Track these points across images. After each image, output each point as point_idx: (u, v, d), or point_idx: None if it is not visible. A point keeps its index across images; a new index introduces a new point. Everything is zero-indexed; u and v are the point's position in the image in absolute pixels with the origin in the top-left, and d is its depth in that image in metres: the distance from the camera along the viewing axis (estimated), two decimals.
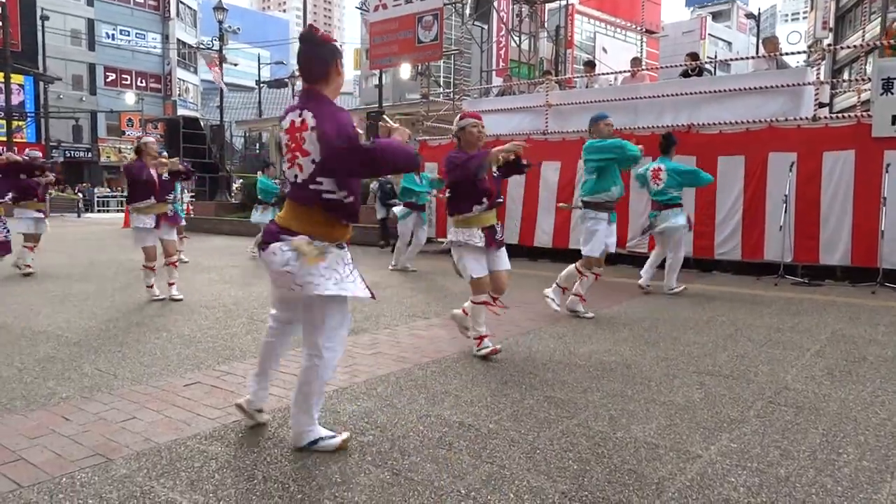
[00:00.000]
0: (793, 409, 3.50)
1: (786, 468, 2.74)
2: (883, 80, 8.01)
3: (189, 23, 48.50)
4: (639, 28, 27.25)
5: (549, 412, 3.38)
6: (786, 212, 8.16)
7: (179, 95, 45.28)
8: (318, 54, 2.77)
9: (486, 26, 16.18)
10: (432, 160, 11.44)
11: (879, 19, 23.07)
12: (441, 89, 26.04)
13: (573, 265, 6.03)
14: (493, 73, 19.94)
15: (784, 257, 8.36)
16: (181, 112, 39.01)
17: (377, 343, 4.89)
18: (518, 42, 18.33)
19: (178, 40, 45.16)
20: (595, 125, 5.91)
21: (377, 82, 15.07)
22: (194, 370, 4.09)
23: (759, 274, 8.63)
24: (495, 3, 19.86)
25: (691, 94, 9.63)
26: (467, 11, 13.94)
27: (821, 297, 7.31)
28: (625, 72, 11.97)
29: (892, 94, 7.94)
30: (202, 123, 23.65)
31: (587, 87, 11.44)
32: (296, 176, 2.73)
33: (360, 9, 17.86)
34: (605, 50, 46.12)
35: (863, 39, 24.10)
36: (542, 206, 10.59)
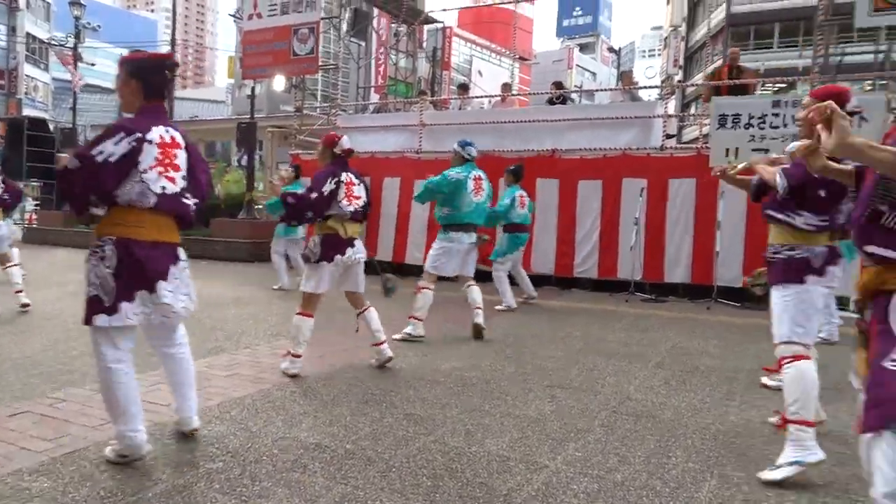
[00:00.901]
0: (633, 417, 3.77)
1: (622, 473, 2.94)
2: (719, 115, 8.90)
3: (41, 16, 44.61)
4: (512, 54, 28.48)
5: (407, 430, 3.42)
6: (636, 233, 8.81)
7: (26, 94, 41.41)
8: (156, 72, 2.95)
9: (363, 43, 16.27)
10: (305, 174, 11.25)
11: (721, 59, 25.69)
12: (318, 103, 25.73)
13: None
14: (372, 89, 20.04)
15: (634, 275, 9.02)
16: (27, 112, 35.66)
17: (235, 364, 4.71)
18: (395, 61, 18.54)
19: (28, 34, 41.35)
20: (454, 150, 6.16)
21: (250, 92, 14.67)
22: (23, 399, 3.73)
23: (613, 291, 9.24)
24: (374, 21, 20.01)
25: (555, 120, 10.19)
26: (344, 27, 13.94)
27: (665, 312, 7.96)
28: (495, 96, 12.45)
29: (726, 128, 8.84)
30: (51, 126, 21.73)
31: (460, 108, 11.78)
32: (163, 188, 2.87)
33: (234, 17, 17.30)
34: (480, 73, 47.75)
35: (712, 77, 26.65)
36: (414, 225, 10.72)
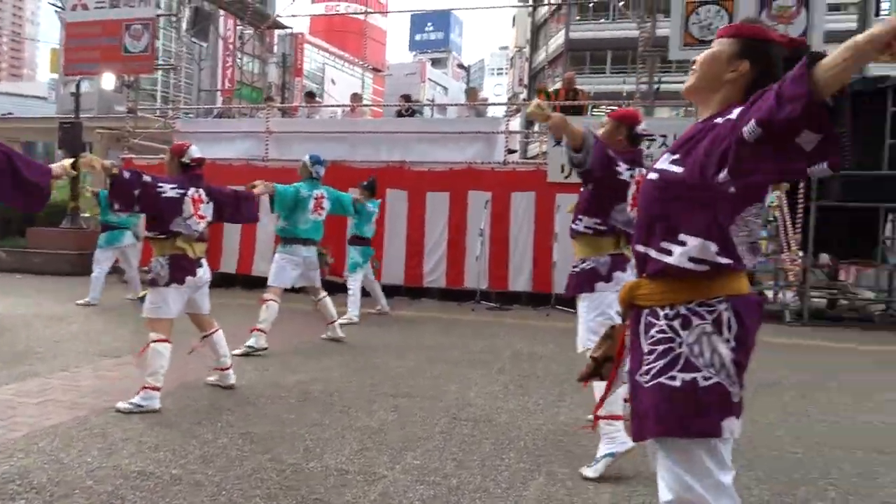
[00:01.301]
0: (472, 422, 3.90)
1: (458, 478, 3.03)
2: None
3: None
4: (365, 65, 28.55)
5: (242, 449, 3.28)
6: (482, 244, 9.15)
7: None
8: None
9: (205, 44, 15.47)
10: None
11: (561, 81, 27.50)
12: (158, 104, 24.06)
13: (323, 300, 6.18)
14: (219, 93, 19.11)
15: (480, 284, 9.36)
16: None
17: (48, 389, 4.26)
18: (241, 64, 17.85)
19: None
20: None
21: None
22: None
23: (461, 300, 9.52)
24: (220, 22, 19.12)
25: (404, 132, 10.34)
26: (184, 25, 13.17)
27: (509, 319, 8.34)
28: (344, 106, 12.39)
29: (562, 146, 9.46)
30: None
31: (309, 116, 11.58)
32: None
33: (54, 5, 15.72)
34: (333, 82, 47.31)
35: (548, 99, 28.40)
36: (261, 236, 10.35)
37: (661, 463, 1.61)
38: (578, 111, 10.77)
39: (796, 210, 9.43)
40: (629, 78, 13.49)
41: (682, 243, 1.61)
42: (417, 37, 65.18)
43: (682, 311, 1.61)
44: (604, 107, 23.41)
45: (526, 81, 40.63)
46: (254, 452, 3.24)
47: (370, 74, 41.85)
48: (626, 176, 3.17)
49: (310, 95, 12.74)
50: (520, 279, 9.56)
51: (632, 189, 3.18)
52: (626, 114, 3.41)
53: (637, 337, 1.70)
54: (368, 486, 2.88)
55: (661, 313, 1.64)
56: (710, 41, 7.02)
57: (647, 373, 1.62)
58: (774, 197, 10.34)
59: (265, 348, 5.57)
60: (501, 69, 68.63)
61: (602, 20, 34.13)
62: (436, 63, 63.20)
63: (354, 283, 7.70)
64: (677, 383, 1.57)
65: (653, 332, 1.64)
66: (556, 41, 36.63)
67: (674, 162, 1.63)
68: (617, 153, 3.19)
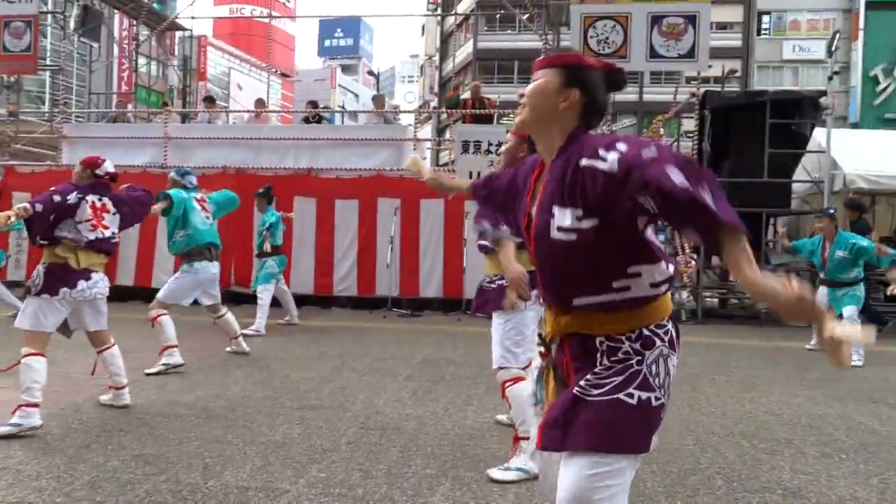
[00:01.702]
0: (379, 431, 3.88)
1: (364, 488, 3.00)
2: (462, 142, 9.66)
3: None
4: (273, 70, 27.88)
5: (135, 472, 3.11)
6: (392, 251, 9.15)
7: None
8: None
9: (97, 44, 14.62)
10: (23, 190, 9.78)
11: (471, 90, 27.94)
12: (47, 108, 22.45)
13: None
14: (115, 96, 18.09)
15: (392, 292, 9.35)
16: None
17: None
18: (136, 67, 17.01)
19: None
20: None
21: None
22: None
23: (372, 308, 9.46)
24: (114, 22, 18.15)
25: (310, 139, 10.18)
26: (72, 24, 12.39)
27: (420, 326, 8.36)
28: (247, 111, 12.07)
29: (469, 153, 9.62)
30: None
31: (209, 122, 11.20)
32: None
33: None
34: (240, 87, 45.87)
35: (456, 107, 28.79)
36: (161, 246, 9.88)
37: (579, 474, 1.57)
38: (486, 120, 10.99)
39: None
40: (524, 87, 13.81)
41: (637, 274, 1.62)
42: (327, 42, 64.41)
43: (645, 332, 1.63)
44: (512, 115, 24.08)
45: (436, 89, 41.01)
46: (147, 475, 3.08)
47: (278, 80, 40.88)
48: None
49: (209, 100, 12.29)
50: (431, 285, 9.62)
51: None
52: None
53: (582, 360, 1.67)
54: (270, 503, 2.81)
55: (624, 337, 1.63)
56: (608, 54, 7.46)
57: (600, 386, 1.60)
58: None
59: (181, 364, 5.32)
60: (412, 77, 68.95)
61: (508, 31, 35.00)
62: (346, 69, 62.66)
63: (266, 294, 7.49)
64: (633, 401, 1.58)
65: (619, 354, 1.63)
66: (465, 50, 37.24)
67: (579, 218, 1.58)
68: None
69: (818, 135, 9.84)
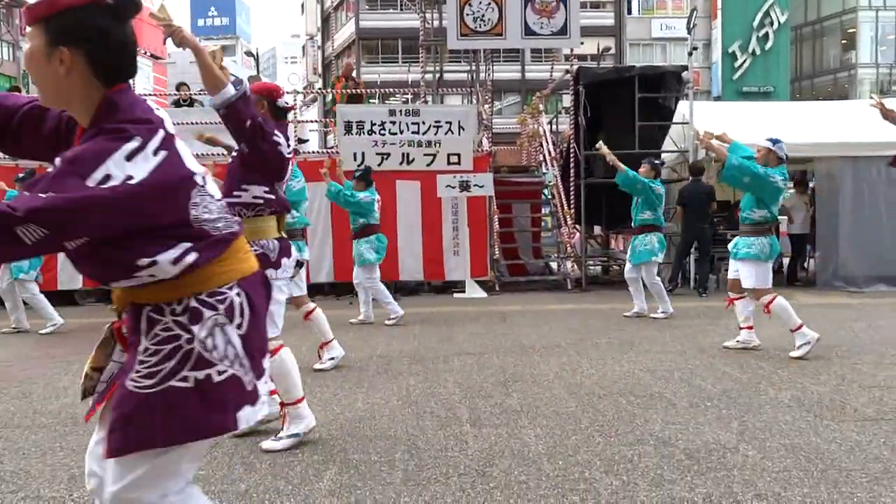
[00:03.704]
0: (264, 422, 3.75)
1: (247, 482, 2.90)
2: (345, 122, 9.48)
3: None
4: (142, 51, 26.10)
5: None
6: None
7: None
8: None
9: None
10: None
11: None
12: None
13: None
14: None
15: None
16: None
17: None
18: None
19: None
20: None
21: None
22: None
23: None
24: None
25: (182, 123, 9.61)
26: None
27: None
28: None
29: (352, 134, 9.46)
30: None
31: None
32: None
33: None
34: None
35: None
36: None
37: (135, 473, 1.44)
38: (359, 99, 10.82)
39: (569, 188, 10.38)
40: (414, 67, 13.81)
41: (152, 264, 1.43)
42: (200, 22, 61.06)
43: (192, 304, 1.48)
44: (397, 94, 23.90)
45: (320, 70, 40.04)
46: (3, 493, 2.82)
47: (149, 61, 38.33)
48: (286, 153, 3.16)
49: None
50: (321, 270, 9.45)
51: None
52: (266, 87, 3.41)
53: (137, 336, 1.50)
54: None
55: (167, 309, 1.47)
56: (484, 31, 7.55)
57: (150, 376, 1.44)
58: (552, 176, 11.34)
59: (343, 355, 5.28)
60: (294, 58, 66.92)
61: (391, 10, 34.65)
62: (223, 50, 59.80)
63: None
64: (190, 384, 1.44)
65: (157, 330, 1.47)
66: (348, 30, 36.53)
67: None
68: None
69: (682, 107, 10.47)
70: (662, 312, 7.25)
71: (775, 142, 5.25)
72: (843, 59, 38.23)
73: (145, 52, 30.17)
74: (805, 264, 11.11)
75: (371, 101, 12.53)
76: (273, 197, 3.25)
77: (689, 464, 3.03)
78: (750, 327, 5.51)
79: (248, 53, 36.39)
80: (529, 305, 8.43)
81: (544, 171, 11.72)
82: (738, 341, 5.53)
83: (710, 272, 9.71)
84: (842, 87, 37.23)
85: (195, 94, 10.92)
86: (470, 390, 4.37)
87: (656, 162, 7.69)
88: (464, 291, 9.45)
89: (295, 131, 9.80)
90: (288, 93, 12.23)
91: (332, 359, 5.11)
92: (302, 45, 47.74)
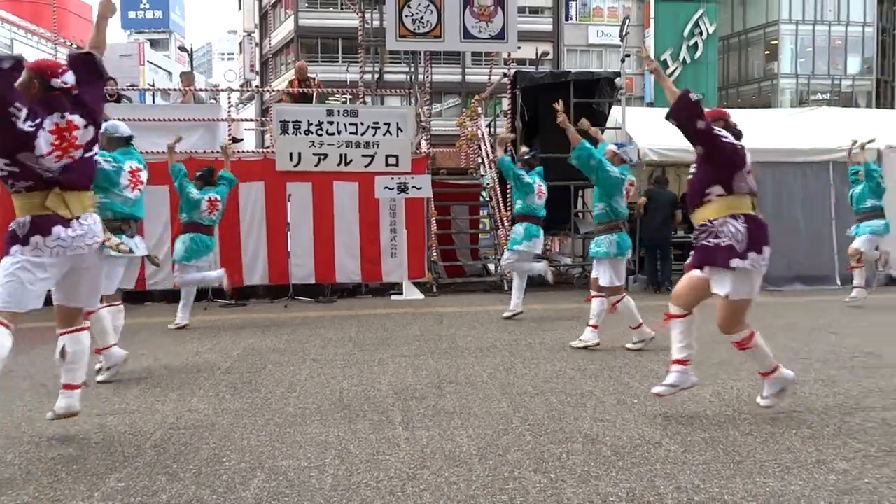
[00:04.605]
0: (190, 430, 3.64)
1: (169, 492, 2.80)
2: (281, 122, 9.30)
3: None
4: (67, 43, 24.87)
5: None
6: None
7: None
8: None
9: None
10: None
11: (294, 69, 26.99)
12: None
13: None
14: None
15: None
16: None
17: None
18: None
19: None
20: None
21: None
22: None
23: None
24: None
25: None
26: None
27: (244, 315, 8.00)
28: None
29: (288, 134, 9.30)
30: None
31: None
32: None
33: None
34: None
35: (281, 86, 27.72)
36: None
37: None
38: (308, 99, 10.67)
39: (507, 191, 10.48)
40: (354, 67, 13.70)
41: None
42: (131, 14, 58.66)
43: None
44: (338, 94, 23.60)
45: (257, 67, 39.17)
46: None
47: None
48: (25, 126, 3.12)
49: None
50: (255, 273, 9.25)
51: (45, 139, 3.17)
52: (38, 65, 3.31)
53: None
54: None
55: None
56: (423, 33, 7.58)
57: None
58: (490, 178, 11.43)
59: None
60: (231, 54, 65.24)
61: (331, 8, 34.25)
62: (155, 45, 57.71)
63: None
64: None
65: None
66: (287, 27, 35.90)
67: None
68: (28, 100, 3.16)
69: (616, 112, 10.75)
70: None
71: (620, 145, 6.01)
72: (767, 69, 40.14)
73: (68, 44, 28.84)
74: None
75: (327, 99, 12.32)
76: (16, 169, 3.18)
77: (614, 460, 3.11)
78: (595, 326, 5.69)
79: (182, 48, 35.30)
80: (467, 307, 8.48)
81: (483, 173, 11.82)
82: (580, 340, 5.70)
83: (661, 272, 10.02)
84: (765, 95, 39.08)
85: (120, 89, 10.52)
86: (404, 392, 4.36)
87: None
88: (401, 293, 9.42)
89: (230, 130, 9.57)
90: (222, 90, 11.97)
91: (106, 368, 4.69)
92: (239, 42, 46.57)
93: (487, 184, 11.49)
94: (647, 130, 10.43)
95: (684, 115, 3.72)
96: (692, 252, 3.83)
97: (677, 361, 3.81)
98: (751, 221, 3.58)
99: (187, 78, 10.67)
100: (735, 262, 3.47)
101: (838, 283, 9.91)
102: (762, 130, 10.52)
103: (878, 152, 10.04)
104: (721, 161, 3.70)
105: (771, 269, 9.75)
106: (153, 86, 31.18)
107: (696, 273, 3.74)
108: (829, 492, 2.75)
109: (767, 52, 40.03)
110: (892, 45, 40.13)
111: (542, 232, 7.48)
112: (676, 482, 2.85)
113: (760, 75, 40.49)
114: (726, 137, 3.73)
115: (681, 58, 36.59)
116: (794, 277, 9.97)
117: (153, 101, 15.59)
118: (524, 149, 7.60)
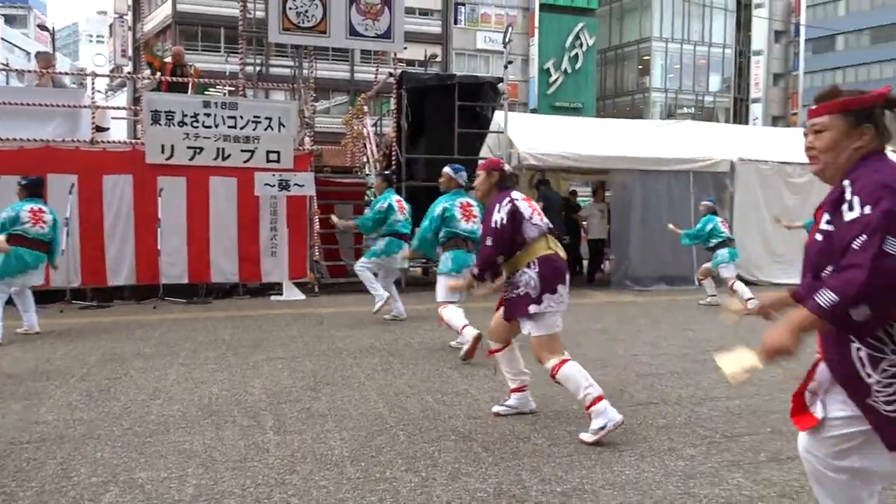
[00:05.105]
0: (36, 444, 3.34)
1: None
2: (152, 112, 8.75)
3: None
4: None
5: None
6: (69, 235, 7.94)
7: None
8: None
9: None
10: None
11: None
12: None
13: None
14: None
15: (70, 282, 8.17)
16: None
17: None
18: None
19: None
20: None
21: None
22: None
23: (45, 302, 8.14)
24: None
25: None
26: None
27: (105, 318, 7.45)
28: None
29: (160, 125, 8.76)
30: None
31: None
32: None
33: None
34: None
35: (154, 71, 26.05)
36: None
37: None
38: (186, 88, 10.09)
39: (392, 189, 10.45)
40: (233, 57, 13.16)
41: None
42: None
43: None
44: (218, 86, 22.55)
45: (130, 53, 36.65)
46: None
47: None
48: None
49: None
50: (120, 272, 8.64)
51: None
52: None
53: None
54: None
55: None
56: (308, 27, 7.43)
57: None
58: (374, 178, 11.37)
59: None
60: (101, 36, 60.69)
61: None
62: (11, 21, 52.66)
63: None
64: None
65: None
66: (163, 12, 33.88)
67: None
68: None
69: (498, 117, 11.04)
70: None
71: (457, 170, 5.73)
72: (640, 83, 42.81)
73: None
74: (602, 266, 12.23)
75: (208, 91, 11.61)
76: None
77: (484, 456, 3.18)
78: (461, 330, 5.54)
79: (42, 27, 32.39)
80: (348, 307, 8.38)
81: (367, 172, 11.74)
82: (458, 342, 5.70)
83: None
84: (638, 107, 41.65)
85: None
86: (277, 396, 4.23)
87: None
88: (281, 294, 9.16)
89: (93, 118, 8.89)
90: (87, 75, 11.03)
91: None
92: (109, 24, 43.36)
93: (372, 183, 11.42)
94: (528, 136, 10.80)
95: None
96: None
97: (514, 391, 3.90)
98: (543, 265, 3.59)
99: (45, 59, 9.75)
100: (532, 308, 3.56)
101: (697, 282, 10.73)
102: (634, 140, 11.21)
103: (731, 164, 10.97)
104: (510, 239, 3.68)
105: (639, 270, 10.65)
106: (7, 65, 28.43)
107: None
108: (677, 476, 2.96)
109: (640, 67, 42.69)
110: (748, 66, 44.05)
111: (403, 247, 7.26)
112: (541, 474, 2.96)
113: (634, 88, 43.10)
114: (502, 220, 3.63)
115: (562, 68, 38.24)
116: (658, 278, 10.68)
117: (6, 83, 14.18)
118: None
